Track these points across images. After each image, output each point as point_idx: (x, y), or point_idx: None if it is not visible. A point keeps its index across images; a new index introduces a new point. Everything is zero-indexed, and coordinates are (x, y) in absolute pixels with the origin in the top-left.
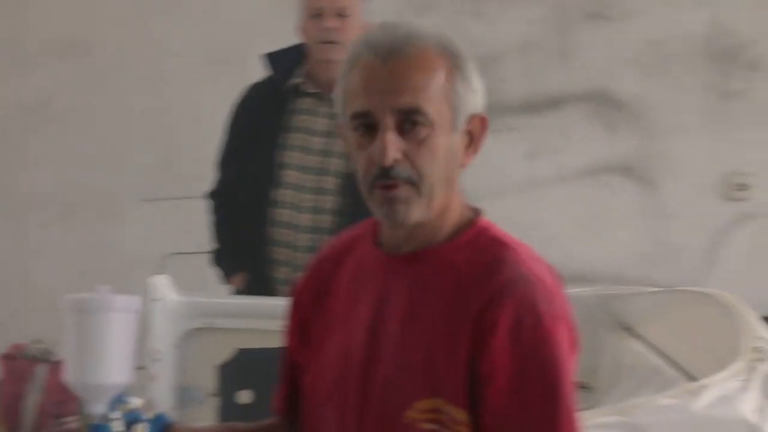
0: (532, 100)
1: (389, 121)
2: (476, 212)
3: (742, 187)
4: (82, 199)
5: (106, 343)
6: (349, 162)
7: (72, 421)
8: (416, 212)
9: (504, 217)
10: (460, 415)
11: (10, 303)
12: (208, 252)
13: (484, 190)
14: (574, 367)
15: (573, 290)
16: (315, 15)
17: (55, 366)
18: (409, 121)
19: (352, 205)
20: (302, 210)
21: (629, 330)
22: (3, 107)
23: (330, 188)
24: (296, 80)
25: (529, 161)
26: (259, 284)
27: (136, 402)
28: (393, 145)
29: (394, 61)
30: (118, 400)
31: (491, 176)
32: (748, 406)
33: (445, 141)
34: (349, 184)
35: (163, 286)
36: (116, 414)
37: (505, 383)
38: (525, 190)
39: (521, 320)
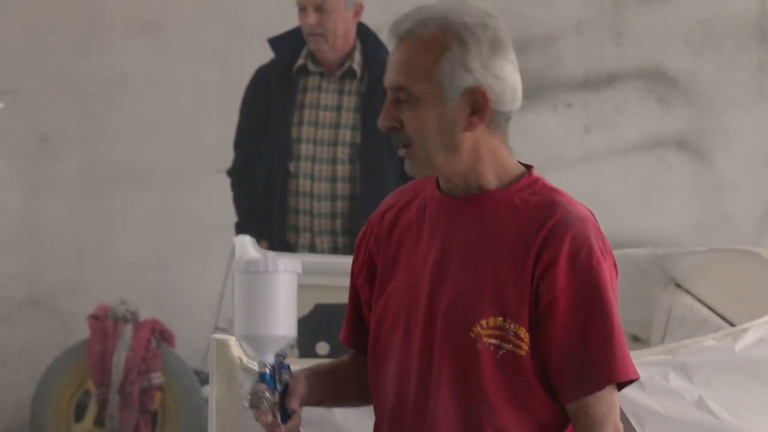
0: (587, 77)
1: (390, 94)
2: (529, 167)
3: None
4: (159, 169)
5: (276, 299)
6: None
7: (156, 377)
8: (418, 168)
9: (562, 188)
10: (522, 332)
11: (94, 267)
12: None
13: (544, 163)
14: (617, 291)
15: (629, 250)
16: (300, 9)
17: (139, 325)
18: (398, 96)
19: (363, 171)
20: (319, 180)
21: (680, 286)
22: (84, 82)
23: (343, 158)
24: (301, 61)
25: (585, 135)
26: (280, 250)
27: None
28: (386, 115)
29: (401, 44)
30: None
31: (550, 149)
32: None
33: (433, 113)
34: (359, 153)
35: (246, 245)
36: (270, 363)
37: (566, 303)
38: (582, 163)
39: (578, 251)
